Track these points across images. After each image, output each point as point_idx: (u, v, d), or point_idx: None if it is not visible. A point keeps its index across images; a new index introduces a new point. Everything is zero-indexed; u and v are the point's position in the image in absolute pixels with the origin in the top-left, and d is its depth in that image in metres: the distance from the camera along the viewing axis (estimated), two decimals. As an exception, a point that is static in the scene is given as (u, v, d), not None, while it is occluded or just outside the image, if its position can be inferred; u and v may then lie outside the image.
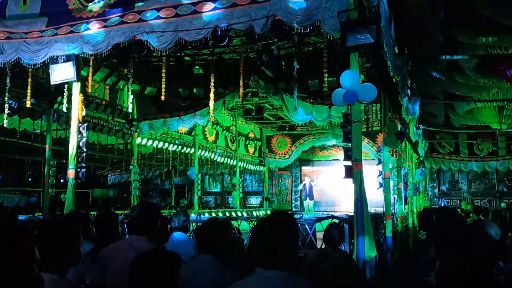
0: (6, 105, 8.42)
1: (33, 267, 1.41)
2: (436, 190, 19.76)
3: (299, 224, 7.13)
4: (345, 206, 18.09)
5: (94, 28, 6.57)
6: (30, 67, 7.26)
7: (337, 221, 6.64)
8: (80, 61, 7.15)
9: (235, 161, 16.86)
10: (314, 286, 1.71)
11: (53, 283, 1.83)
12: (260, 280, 1.61)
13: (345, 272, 2.82)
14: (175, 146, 14.22)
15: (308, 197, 17.56)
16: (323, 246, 4.15)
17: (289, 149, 18.87)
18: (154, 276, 1.78)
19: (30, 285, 1.37)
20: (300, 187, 18.29)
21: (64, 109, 8.60)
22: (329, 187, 19.72)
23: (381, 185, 8.92)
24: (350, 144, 5.58)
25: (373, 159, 15.70)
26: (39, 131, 11.20)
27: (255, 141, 18.61)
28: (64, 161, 9.94)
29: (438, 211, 4.63)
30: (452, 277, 1.58)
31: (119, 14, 6.42)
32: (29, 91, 8.15)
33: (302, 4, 5.43)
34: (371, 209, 11.65)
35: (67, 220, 2.22)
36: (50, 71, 7.07)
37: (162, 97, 8.85)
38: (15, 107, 9.35)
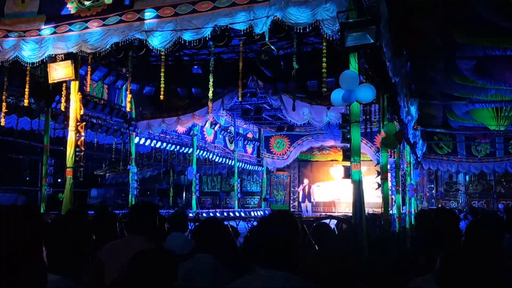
0: (4, 104, 8.39)
1: (40, 266, 1.39)
2: (433, 191, 19.81)
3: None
4: (344, 207, 18.12)
5: (92, 27, 6.55)
6: (28, 65, 7.23)
7: (334, 221, 6.64)
8: (78, 60, 7.14)
9: (233, 161, 16.85)
10: (314, 287, 1.70)
11: (54, 283, 1.81)
12: (260, 280, 1.61)
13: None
14: (174, 146, 14.19)
15: (306, 199, 17.59)
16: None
17: (287, 150, 18.88)
18: (152, 275, 1.77)
19: (33, 284, 1.35)
20: (300, 189, 18.28)
21: (62, 108, 8.58)
22: (328, 188, 19.74)
23: (379, 186, 8.92)
24: (348, 145, 5.59)
25: (371, 160, 15.77)
26: (37, 130, 11.16)
27: (254, 141, 18.60)
28: (62, 160, 9.91)
29: (435, 212, 4.63)
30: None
31: (118, 13, 6.41)
32: (27, 90, 8.11)
33: (301, 4, 5.43)
34: (369, 210, 11.70)
35: (75, 219, 2.20)
36: (48, 70, 7.06)
37: (161, 97, 8.82)
38: (13, 105, 9.32)
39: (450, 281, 1.60)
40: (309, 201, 17.54)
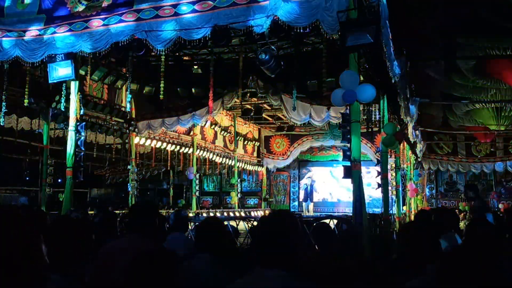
0: (4, 104, 8.38)
1: (40, 267, 1.39)
2: (434, 191, 19.81)
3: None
4: (344, 207, 18.12)
5: (92, 26, 6.55)
6: (28, 65, 7.23)
7: (334, 220, 6.63)
8: (78, 60, 7.14)
9: (233, 162, 16.85)
10: (313, 285, 1.69)
11: (54, 283, 1.81)
12: (261, 279, 1.60)
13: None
14: (174, 146, 14.19)
15: (308, 199, 17.61)
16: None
17: (287, 150, 18.88)
18: (152, 275, 1.77)
19: (33, 284, 1.35)
20: (302, 188, 18.29)
21: (62, 108, 8.57)
22: (328, 188, 19.74)
23: (379, 186, 8.92)
24: (349, 145, 5.58)
25: (371, 160, 15.78)
26: (37, 130, 11.16)
27: (254, 142, 18.60)
28: (62, 160, 9.91)
29: (435, 212, 4.65)
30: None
31: (118, 12, 6.41)
32: (27, 90, 8.11)
33: (301, 3, 5.42)
34: (369, 210, 11.72)
35: (74, 219, 2.21)
36: (48, 70, 7.05)
37: (161, 97, 8.82)
38: (13, 105, 9.31)
39: (450, 281, 1.60)
40: (311, 200, 17.57)
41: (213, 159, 16.27)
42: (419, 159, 16.05)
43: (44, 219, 3.64)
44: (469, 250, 1.72)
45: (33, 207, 10.04)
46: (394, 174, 11.11)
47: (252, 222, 8.96)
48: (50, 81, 7.28)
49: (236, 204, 17.01)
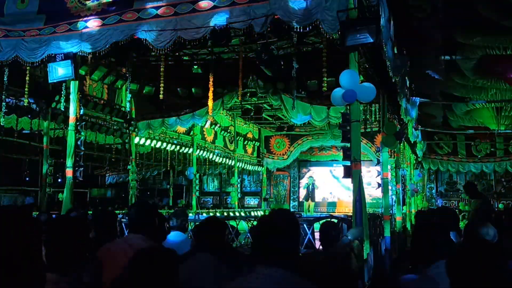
0: (4, 104, 8.39)
1: (39, 266, 1.39)
2: (434, 191, 19.80)
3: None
4: (344, 207, 18.12)
5: (92, 26, 6.55)
6: (28, 65, 7.22)
7: (335, 220, 6.62)
8: (78, 60, 7.13)
9: (233, 161, 16.84)
10: (313, 285, 1.69)
11: (52, 282, 1.81)
12: (260, 278, 1.60)
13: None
14: (174, 146, 14.19)
15: (310, 198, 17.61)
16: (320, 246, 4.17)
17: (287, 150, 18.87)
18: (152, 274, 1.76)
19: (33, 283, 1.35)
20: (304, 186, 18.30)
21: (62, 108, 8.58)
22: (328, 188, 19.73)
23: (379, 186, 8.92)
24: (349, 144, 5.58)
25: (371, 160, 15.77)
26: (37, 130, 11.15)
27: (254, 142, 18.59)
28: (62, 160, 9.90)
29: (435, 211, 4.66)
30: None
31: (118, 12, 6.41)
32: (26, 89, 8.11)
33: (301, 3, 5.42)
34: (369, 210, 11.72)
35: (73, 219, 2.21)
36: (48, 70, 7.05)
37: (161, 97, 8.82)
38: (13, 105, 9.31)
39: (460, 279, 1.60)
40: (313, 199, 17.57)
41: (213, 159, 16.26)
42: (419, 159, 16.04)
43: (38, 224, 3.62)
44: (470, 250, 1.72)
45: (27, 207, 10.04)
46: (394, 174, 11.10)
47: (252, 222, 8.97)
48: (50, 81, 7.27)
49: (236, 204, 17.00)
